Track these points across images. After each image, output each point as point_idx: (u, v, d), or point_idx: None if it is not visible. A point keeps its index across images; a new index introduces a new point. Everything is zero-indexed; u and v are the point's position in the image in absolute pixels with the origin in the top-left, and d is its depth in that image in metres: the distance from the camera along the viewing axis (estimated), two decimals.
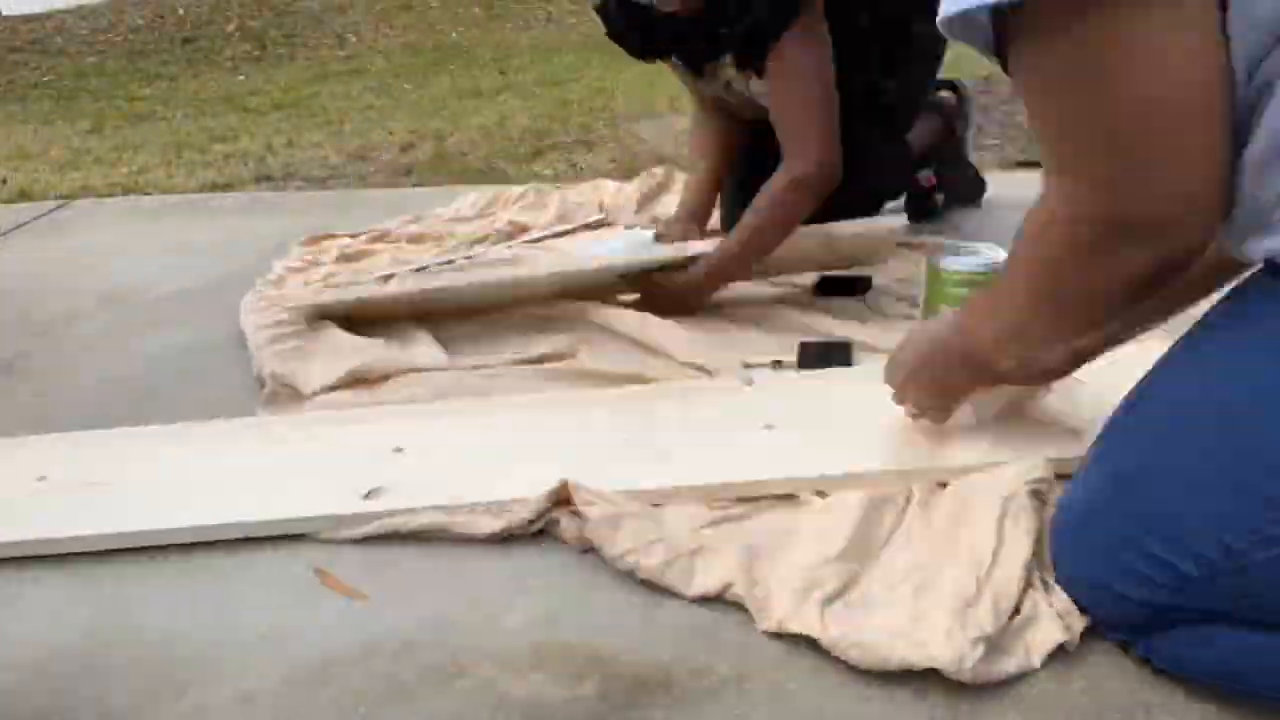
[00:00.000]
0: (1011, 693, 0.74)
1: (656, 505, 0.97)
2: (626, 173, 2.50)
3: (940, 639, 0.75)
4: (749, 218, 1.46)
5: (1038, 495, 0.91)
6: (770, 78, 1.46)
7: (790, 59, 1.43)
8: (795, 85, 1.44)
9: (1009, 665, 0.75)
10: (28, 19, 7.00)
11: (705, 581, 0.87)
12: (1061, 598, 0.80)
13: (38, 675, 0.84)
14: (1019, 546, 0.84)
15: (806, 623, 0.79)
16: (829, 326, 1.41)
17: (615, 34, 1.59)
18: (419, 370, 1.34)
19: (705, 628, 0.84)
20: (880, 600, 0.82)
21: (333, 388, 1.30)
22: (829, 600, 0.82)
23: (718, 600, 0.86)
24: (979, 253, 1.30)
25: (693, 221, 1.74)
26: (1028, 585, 0.81)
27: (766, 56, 1.43)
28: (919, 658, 0.74)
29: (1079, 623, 0.78)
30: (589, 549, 0.92)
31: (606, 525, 0.92)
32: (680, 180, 2.07)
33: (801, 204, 1.44)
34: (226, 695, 0.80)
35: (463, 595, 0.89)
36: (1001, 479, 0.93)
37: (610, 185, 2.23)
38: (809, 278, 1.39)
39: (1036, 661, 0.76)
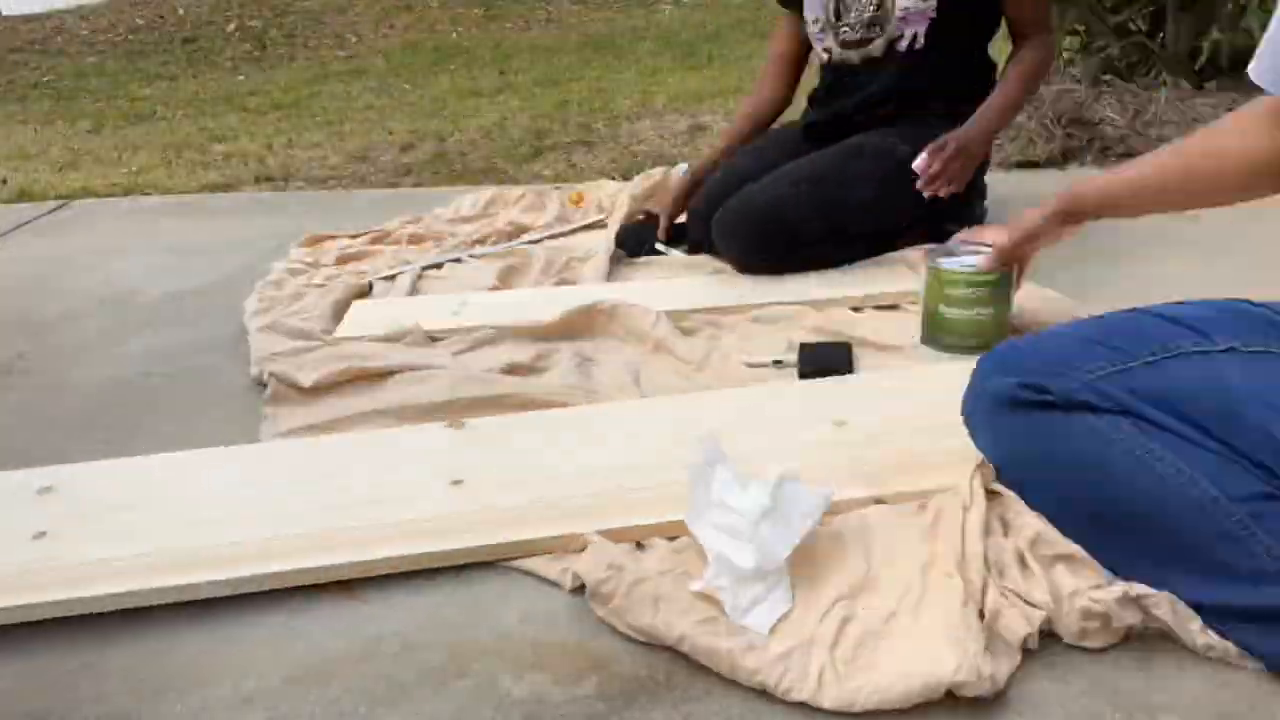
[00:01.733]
0: (1012, 693, 0.74)
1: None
2: (626, 173, 2.50)
3: (959, 658, 0.73)
4: (1011, 87, 1.62)
5: (991, 492, 0.91)
6: None
7: None
8: None
9: (1005, 666, 0.75)
10: (28, 19, 7.00)
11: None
12: (1018, 588, 0.80)
13: (38, 675, 0.84)
14: (975, 545, 0.84)
15: (821, 696, 0.74)
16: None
17: None
18: (418, 369, 1.34)
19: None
20: (880, 633, 0.78)
21: (334, 381, 1.31)
22: (832, 647, 0.77)
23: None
24: (979, 252, 1.29)
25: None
26: (985, 583, 0.81)
27: None
28: (941, 676, 0.72)
29: (1037, 615, 0.78)
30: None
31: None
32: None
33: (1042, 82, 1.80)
34: (226, 695, 0.80)
35: (462, 595, 0.89)
36: (961, 488, 0.91)
37: (610, 185, 2.23)
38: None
39: (1018, 656, 0.76)
